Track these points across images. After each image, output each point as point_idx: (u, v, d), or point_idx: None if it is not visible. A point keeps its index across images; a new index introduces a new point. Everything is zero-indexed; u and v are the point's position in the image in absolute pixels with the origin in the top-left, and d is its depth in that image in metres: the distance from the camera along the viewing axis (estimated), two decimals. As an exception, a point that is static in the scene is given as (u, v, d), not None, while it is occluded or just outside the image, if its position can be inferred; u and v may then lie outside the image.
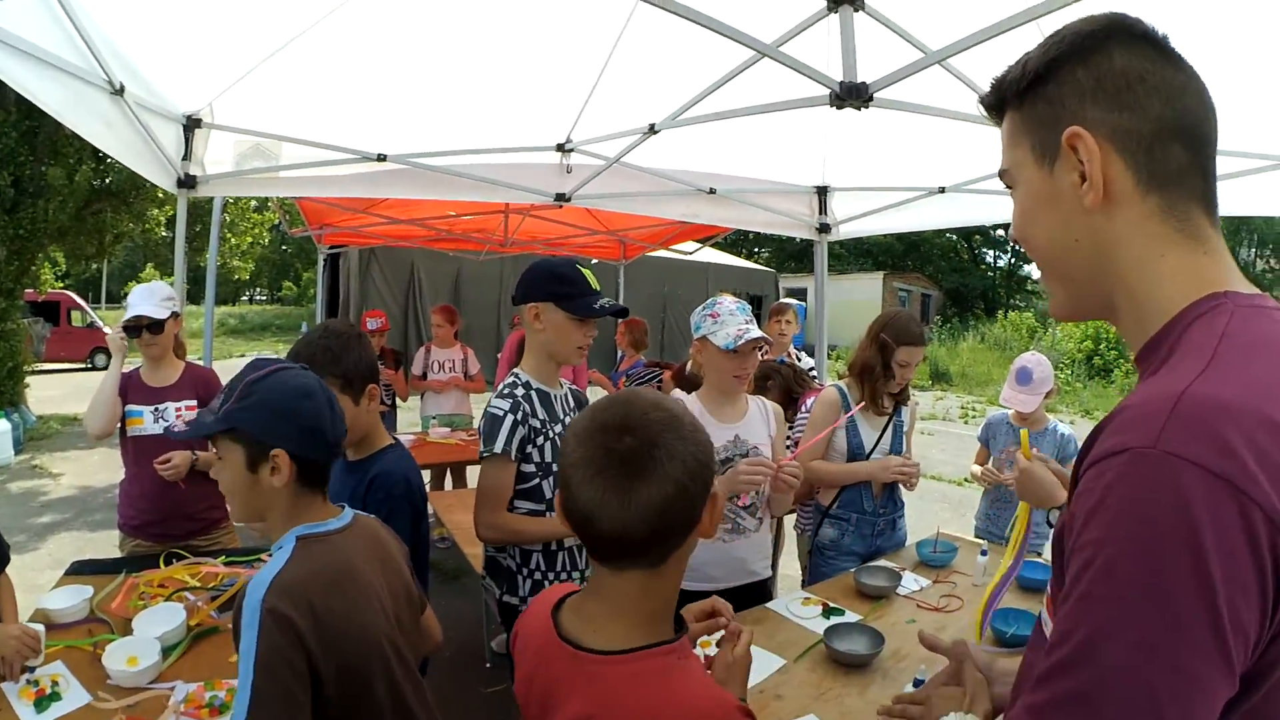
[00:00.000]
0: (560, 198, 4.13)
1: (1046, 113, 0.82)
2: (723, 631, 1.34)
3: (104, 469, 8.01)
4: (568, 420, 2.33)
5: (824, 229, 5.09)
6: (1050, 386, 3.28)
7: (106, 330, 17.19)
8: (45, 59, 2.48)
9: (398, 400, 5.89)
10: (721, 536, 2.57)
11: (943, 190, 4.24)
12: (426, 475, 5.81)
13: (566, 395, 2.42)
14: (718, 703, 1.03)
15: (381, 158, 3.48)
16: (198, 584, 2.50)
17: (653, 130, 3.22)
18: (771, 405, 2.77)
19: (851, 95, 2.17)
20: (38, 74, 2.50)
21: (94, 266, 17.26)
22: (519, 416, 2.18)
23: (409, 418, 6.28)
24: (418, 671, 1.60)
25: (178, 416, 2.97)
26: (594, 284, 2.24)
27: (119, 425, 2.96)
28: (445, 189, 3.83)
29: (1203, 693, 0.60)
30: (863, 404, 2.92)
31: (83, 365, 16.90)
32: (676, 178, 4.31)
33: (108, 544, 6.00)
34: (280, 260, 35.80)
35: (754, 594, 2.67)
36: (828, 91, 2.22)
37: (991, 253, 33.88)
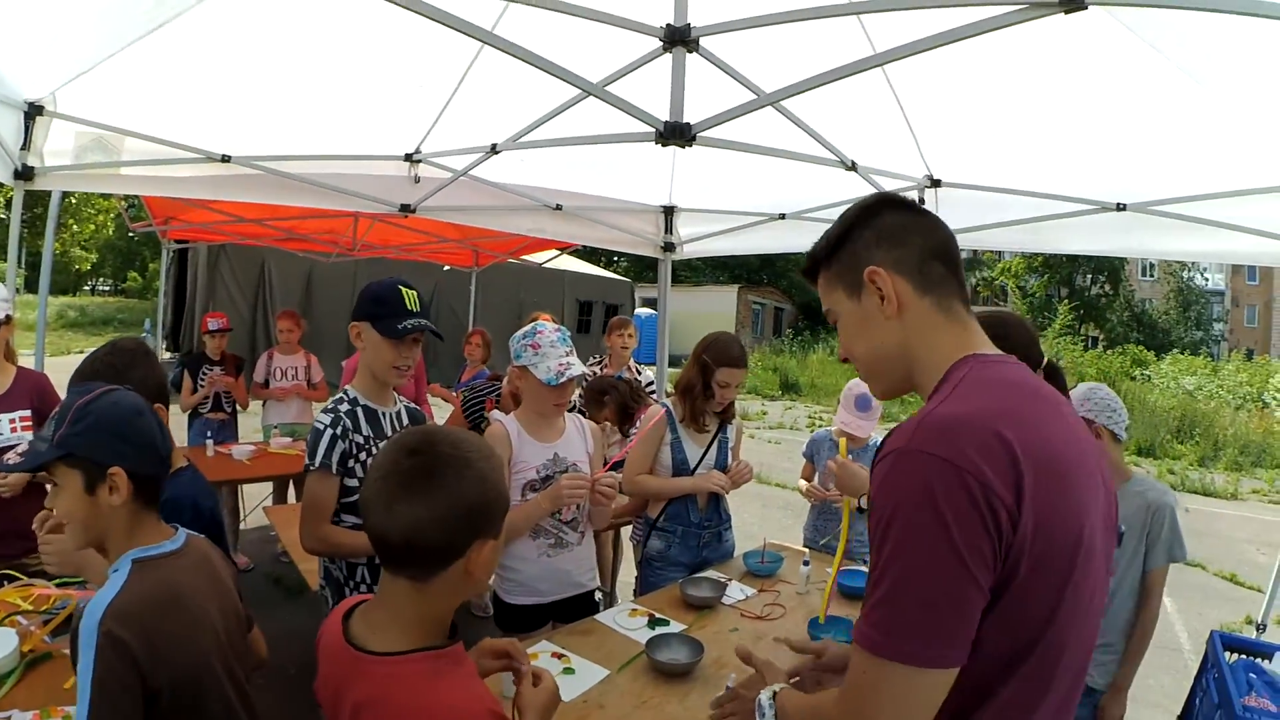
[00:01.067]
0: (405, 208, 4.07)
1: (849, 262, 1.21)
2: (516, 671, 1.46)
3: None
4: None
5: (669, 248, 5.26)
6: (881, 411, 3.55)
7: None
8: None
9: (238, 408, 5.65)
10: (546, 551, 2.66)
11: (783, 216, 4.48)
12: (267, 488, 5.61)
13: (399, 413, 2.46)
14: (476, 703, 1.17)
15: (226, 159, 3.35)
16: (29, 607, 2.36)
17: (494, 150, 3.26)
18: (588, 424, 2.88)
19: (675, 134, 2.29)
20: None
21: None
22: (338, 431, 2.23)
23: (250, 426, 5.97)
24: (248, 691, 1.64)
25: (12, 429, 2.77)
26: (411, 304, 2.28)
27: None
28: (290, 194, 3.70)
29: (955, 592, 0.92)
30: (683, 420, 3.10)
31: None
32: (524, 193, 4.34)
33: None
34: (126, 249, 33.02)
35: (582, 605, 2.77)
36: (652, 130, 2.33)
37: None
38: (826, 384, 21.24)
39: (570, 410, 3.60)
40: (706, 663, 2.27)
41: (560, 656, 2.34)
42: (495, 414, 2.75)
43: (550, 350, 2.55)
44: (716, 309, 27.00)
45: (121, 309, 26.88)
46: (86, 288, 33.85)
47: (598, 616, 2.66)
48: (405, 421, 2.47)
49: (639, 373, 5.08)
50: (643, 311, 22.59)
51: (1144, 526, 2.50)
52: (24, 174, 3.07)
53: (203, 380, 5.35)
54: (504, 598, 2.67)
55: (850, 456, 3.50)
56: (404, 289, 2.28)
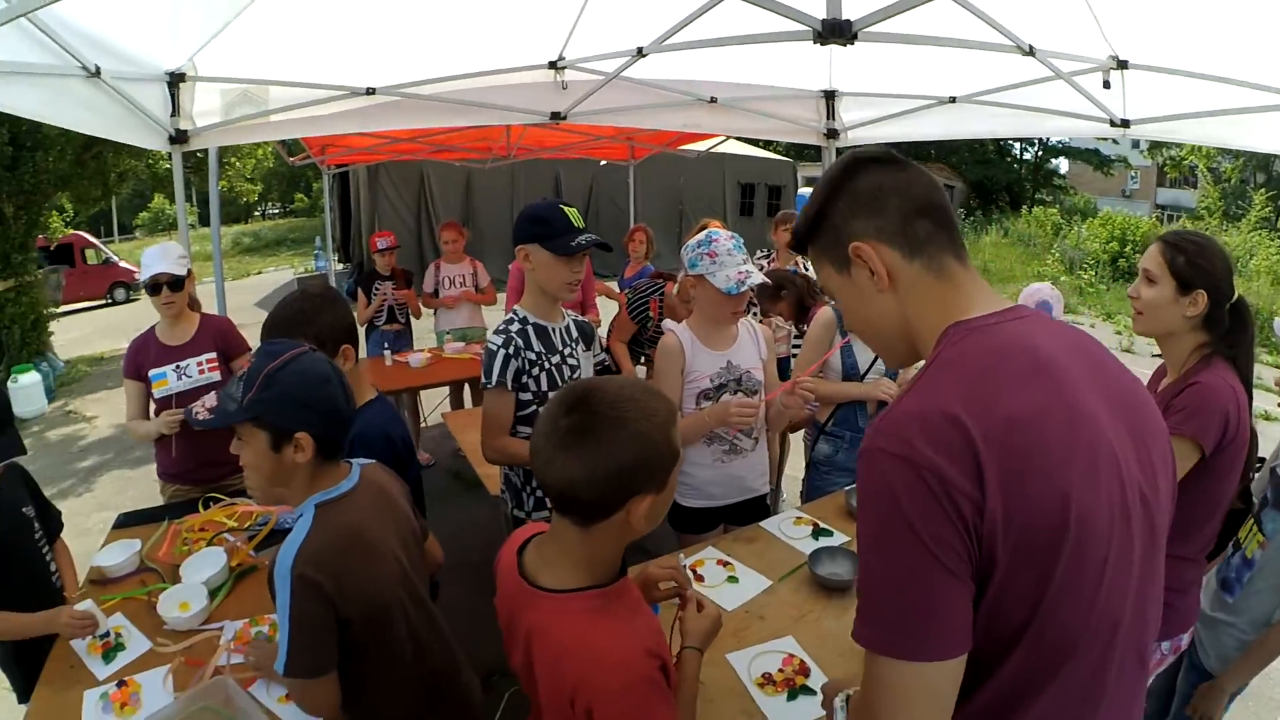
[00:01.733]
0: (555, 116, 4.04)
1: (832, 238, 1.16)
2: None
3: (136, 407, 8.24)
4: (566, 351, 2.46)
5: (832, 134, 4.94)
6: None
7: (127, 265, 17.10)
8: (14, 70, 2.47)
9: (411, 318, 6.00)
10: (720, 457, 2.70)
11: (954, 100, 4.09)
12: (443, 393, 5.98)
13: (568, 327, 2.52)
14: (634, 640, 1.25)
15: (370, 91, 3.43)
16: (235, 524, 2.66)
17: (640, 53, 3.14)
18: (760, 327, 2.83)
19: (834, 33, 2.10)
20: (4, 85, 2.48)
21: (102, 205, 17.15)
22: (510, 351, 2.33)
23: (424, 332, 6.36)
24: (429, 601, 1.78)
25: (200, 371, 3.04)
26: (575, 222, 2.31)
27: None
28: (438, 115, 3.77)
29: (928, 585, 0.91)
30: (845, 340, 2.99)
31: (102, 301, 16.85)
32: (675, 88, 4.19)
33: (148, 481, 6.11)
34: (289, 174, 35.27)
35: (753, 509, 2.82)
36: (809, 29, 2.15)
37: (1018, 145, 32.67)
38: (999, 268, 19.80)
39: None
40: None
41: (725, 564, 2.40)
42: (668, 323, 2.75)
43: (728, 259, 2.50)
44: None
45: (292, 229, 28.81)
46: (257, 213, 36.33)
47: (763, 524, 2.68)
48: (575, 334, 2.54)
49: (808, 266, 4.93)
50: (805, 191, 21.76)
51: None
52: (178, 138, 3.28)
53: (376, 294, 5.69)
54: (677, 500, 2.73)
55: None
56: (564, 207, 2.31)
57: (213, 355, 3.08)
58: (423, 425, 6.13)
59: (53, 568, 2.38)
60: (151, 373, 2.98)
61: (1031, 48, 2.90)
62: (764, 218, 19.89)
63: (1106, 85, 3.04)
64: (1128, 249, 19.16)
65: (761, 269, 4.94)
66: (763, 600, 2.23)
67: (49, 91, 2.72)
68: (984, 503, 0.89)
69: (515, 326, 2.37)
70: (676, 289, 4.12)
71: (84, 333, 13.17)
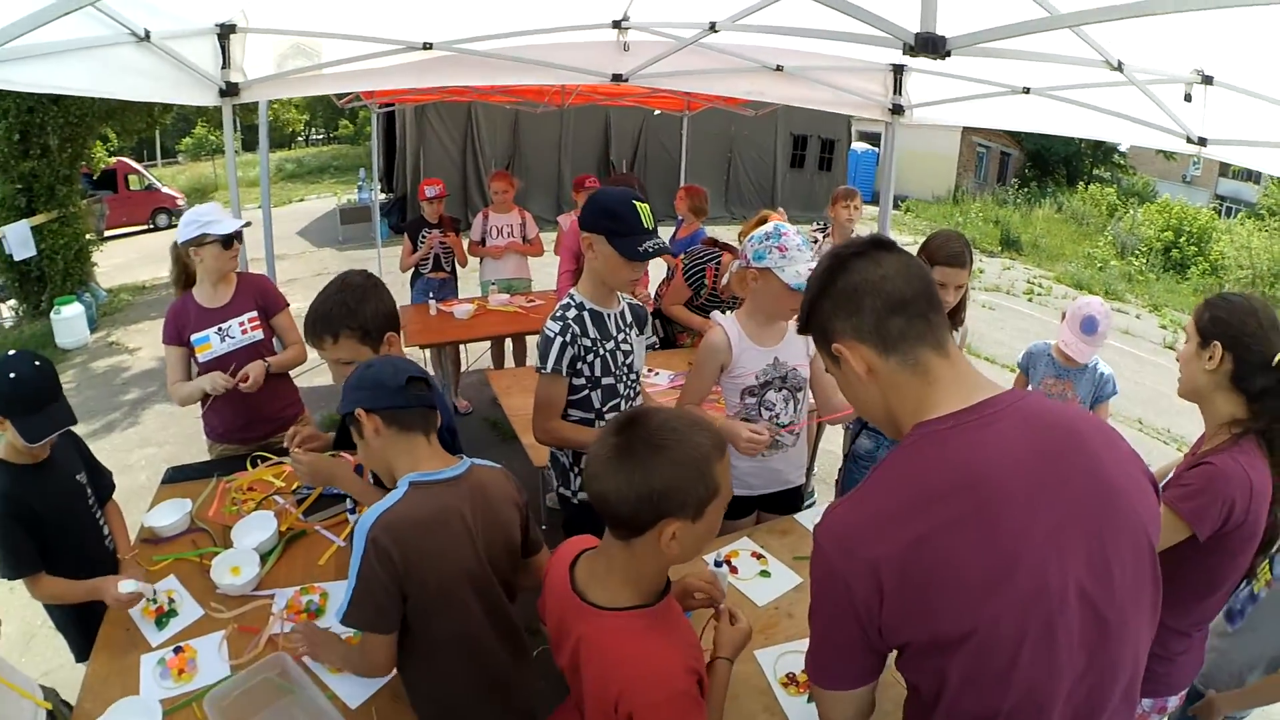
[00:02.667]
0: (618, 78, 3.97)
1: (820, 335, 1.27)
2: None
3: (180, 337, 8.36)
4: (620, 337, 2.47)
5: (897, 110, 4.79)
6: (1107, 335, 3.19)
7: (169, 190, 17.14)
8: (65, 48, 2.46)
9: (457, 266, 6.01)
10: (762, 453, 2.65)
11: (1027, 91, 3.94)
12: (486, 348, 6.03)
13: (623, 312, 2.52)
14: (676, 657, 1.35)
15: (427, 46, 3.37)
16: (283, 484, 2.72)
17: (712, 28, 3.05)
18: None
19: (927, 48, 2.03)
20: (58, 66, 2.49)
21: (146, 134, 17.14)
22: (568, 338, 2.33)
23: (470, 282, 6.39)
24: (505, 601, 1.81)
25: (243, 331, 3.02)
26: (647, 222, 2.27)
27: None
28: (495, 74, 3.70)
29: (840, 649, 1.17)
30: None
31: (145, 227, 16.93)
32: (741, 54, 4.09)
33: (191, 418, 6.25)
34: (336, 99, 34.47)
35: (788, 499, 2.84)
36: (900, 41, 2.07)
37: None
38: (1051, 245, 19.29)
39: None
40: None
41: (759, 557, 2.44)
42: (716, 315, 2.72)
43: (797, 254, 2.45)
44: (937, 148, 24.75)
45: (336, 156, 28.71)
46: (300, 139, 36.02)
47: (797, 516, 2.71)
48: (629, 320, 2.54)
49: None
50: (859, 146, 21.34)
51: None
52: (229, 91, 3.23)
53: (423, 241, 5.68)
54: None
55: (1066, 376, 3.32)
56: (638, 204, 2.26)
57: (254, 314, 3.06)
58: (463, 371, 6.20)
59: (105, 530, 2.42)
60: (194, 337, 2.95)
61: (1120, 63, 2.78)
62: (814, 170, 19.55)
63: (1188, 99, 2.92)
64: (1182, 240, 18.61)
65: (815, 243, 4.88)
66: (793, 597, 2.27)
67: (100, 63, 2.71)
68: (880, 614, 1.08)
69: (572, 313, 2.37)
70: (728, 278, 4.05)
71: (127, 259, 13.29)
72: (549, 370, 2.35)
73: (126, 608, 2.05)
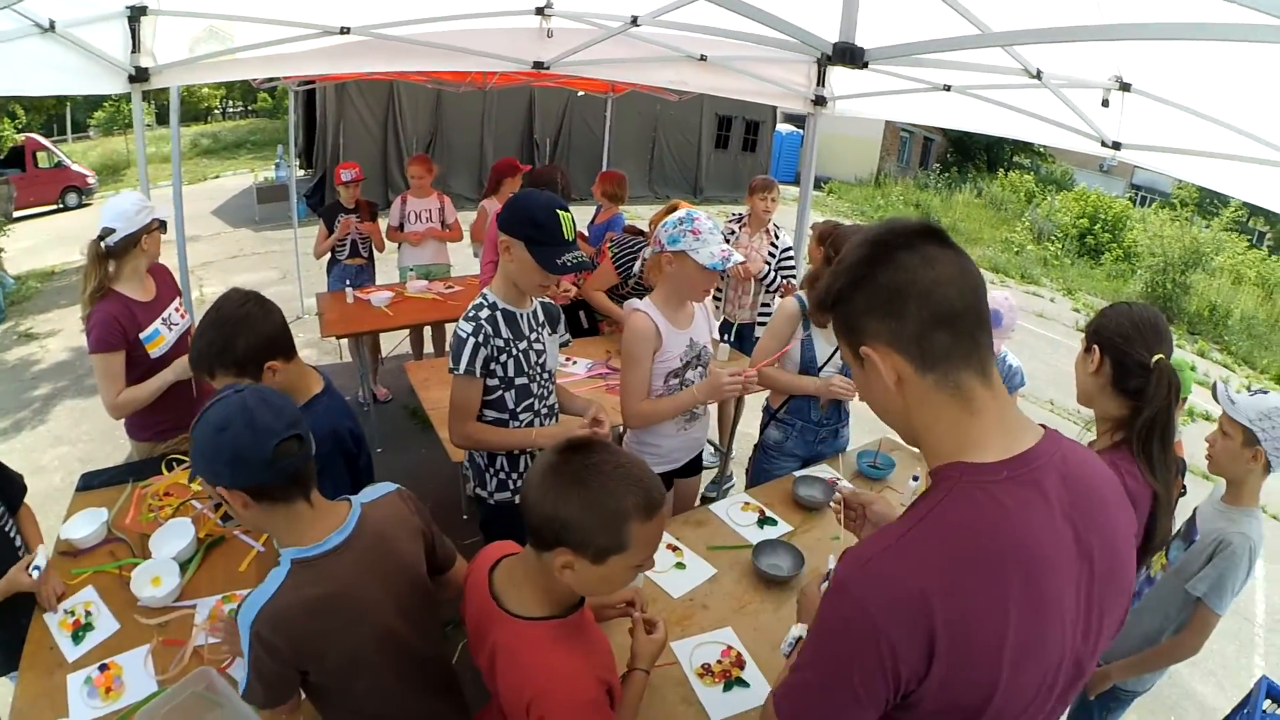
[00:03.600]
0: (539, 65, 3.92)
1: (846, 327, 1.11)
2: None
3: (92, 328, 7.92)
4: (533, 337, 2.47)
5: (820, 102, 4.85)
6: (1014, 327, 3.31)
7: (79, 168, 16.23)
8: None
9: (375, 252, 5.88)
10: (683, 426, 2.84)
11: (948, 88, 4.04)
12: (404, 337, 5.89)
13: (535, 311, 2.52)
14: (587, 667, 1.39)
15: (345, 30, 3.26)
16: (199, 487, 2.61)
17: (634, 23, 3.05)
18: (709, 304, 2.89)
19: (844, 58, 2.07)
20: None
21: (56, 110, 16.02)
22: (480, 339, 2.31)
23: (388, 268, 6.26)
24: (426, 641, 1.74)
25: (181, 316, 2.97)
26: (569, 234, 2.26)
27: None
28: (415, 59, 3.60)
29: (840, 710, 1.02)
30: (810, 314, 3.00)
31: (54, 206, 15.88)
32: (665, 43, 4.07)
33: (102, 412, 5.77)
34: None
35: (695, 463, 3.06)
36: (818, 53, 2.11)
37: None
38: (970, 230, 19.91)
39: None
40: (804, 572, 2.36)
41: (674, 549, 2.48)
42: (633, 302, 2.75)
43: (710, 237, 2.55)
44: (862, 132, 25.20)
45: (253, 130, 27.48)
46: (217, 111, 34.39)
47: (712, 508, 2.77)
48: (541, 319, 2.54)
49: (776, 237, 4.92)
50: (784, 128, 21.54)
51: (1203, 551, 2.26)
52: (139, 76, 3.05)
53: (339, 226, 5.53)
54: None
55: None
56: (560, 213, 2.24)
57: (177, 301, 2.99)
58: (382, 359, 6.09)
59: (17, 542, 2.30)
60: (144, 335, 2.78)
61: (1039, 72, 2.87)
62: (739, 152, 19.69)
63: (1105, 104, 3.02)
64: (1097, 227, 19.41)
65: (733, 234, 4.95)
66: (707, 589, 2.32)
67: (3, 60, 2.57)
68: (925, 676, 0.96)
69: (485, 313, 2.35)
70: (640, 265, 4.12)
71: (35, 242, 12.50)
72: (462, 371, 2.33)
73: (48, 589, 2.03)
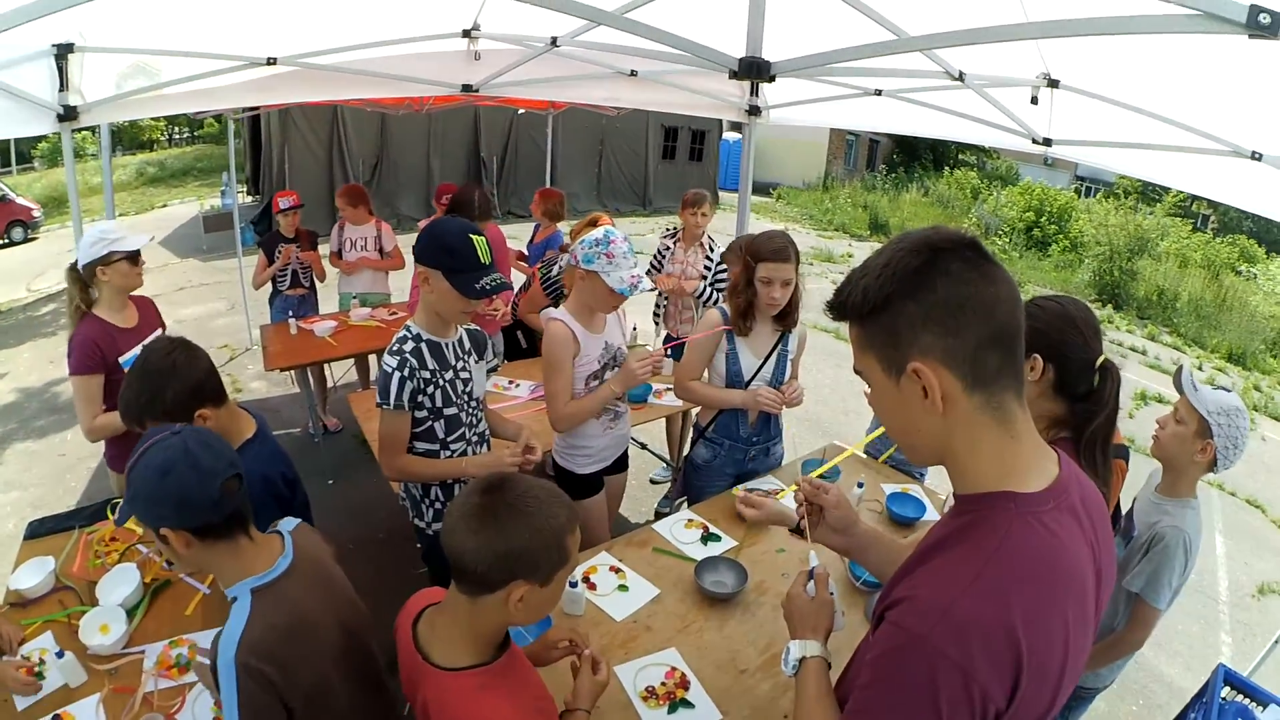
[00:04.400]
0: (468, 88, 3.90)
1: (888, 338, 1.03)
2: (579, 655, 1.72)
3: (35, 368, 7.58)
4: (459, 365, 2.47)
5: (754, 111, 4.91)
6: None
7: (25, 201, 15.76)
8: None
9: (316, 281, 5.79)
10: (608, 425, 2.94)
11: (879, 93, 4.10)
12: (348, 367, 5.83)
13: (461, 338, 2.52)
14: (517, 714, 1.37)
15: (271, 61, 3.22)
16: (143, 531, 2.59)
17: (554, 44, 3.05)
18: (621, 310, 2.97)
19: (751, 72, 2.10)
20: None
21: None
22: (406, 372, 2.31)
23: (329, 297, 6.17)
24: (376, 671, 1.78)
25: None
26: (484, 257, 2.27)
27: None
28: (343, 88, 3.57)
29: None
30: (728, 328, 2.96)
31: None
32: (595, 60, 4.07)
33: (53, 456, 5.63)
34: None
35: (622, 460, 3.18)
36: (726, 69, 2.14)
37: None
38: (916, 227, 20.23)
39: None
40: (748, 588, 2.37)
41: (617, 571, 2.48)
42: (550, 311, 2.82)
43: (623, 260, 2.61)
44: (807, 136, 25.33)
45: (200, 157, 26.90)
46: (163, 138, 33.76)
47: (655, 527, 2.76)
48: (467, 346, 2.53)
49: (711, 249, 4.94)
50: (730, 136, 21.70)
51: (1139, 547, 2.29)
52: (67, 115, 2.99)
53: (279, 256, 5.45)
54: (577, 470, 2.95)
55: None
56: (474, 238, 2.25)
57: (160, 333, 3.00)
58: (330, 388, 6.00)
59: None
60: (123, 359, 2.79)
61: (961, 74, 2.92)
62: (685, 161, 19.78)
63: (1034, 101, 3.08)
64: (1043, 219, 19.84)
65: (667, 249, 4.96)
66: (650, 609, 2.32)
67: None
68: (1007, 708, 0.94)
69: (409, 345, 2.34)
70: (557, 270, 4.23)
71: None
72: (391, 406, 2.32)
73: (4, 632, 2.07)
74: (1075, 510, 1.03)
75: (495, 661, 1.42)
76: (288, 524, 1.76)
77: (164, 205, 19.14)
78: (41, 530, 2.72)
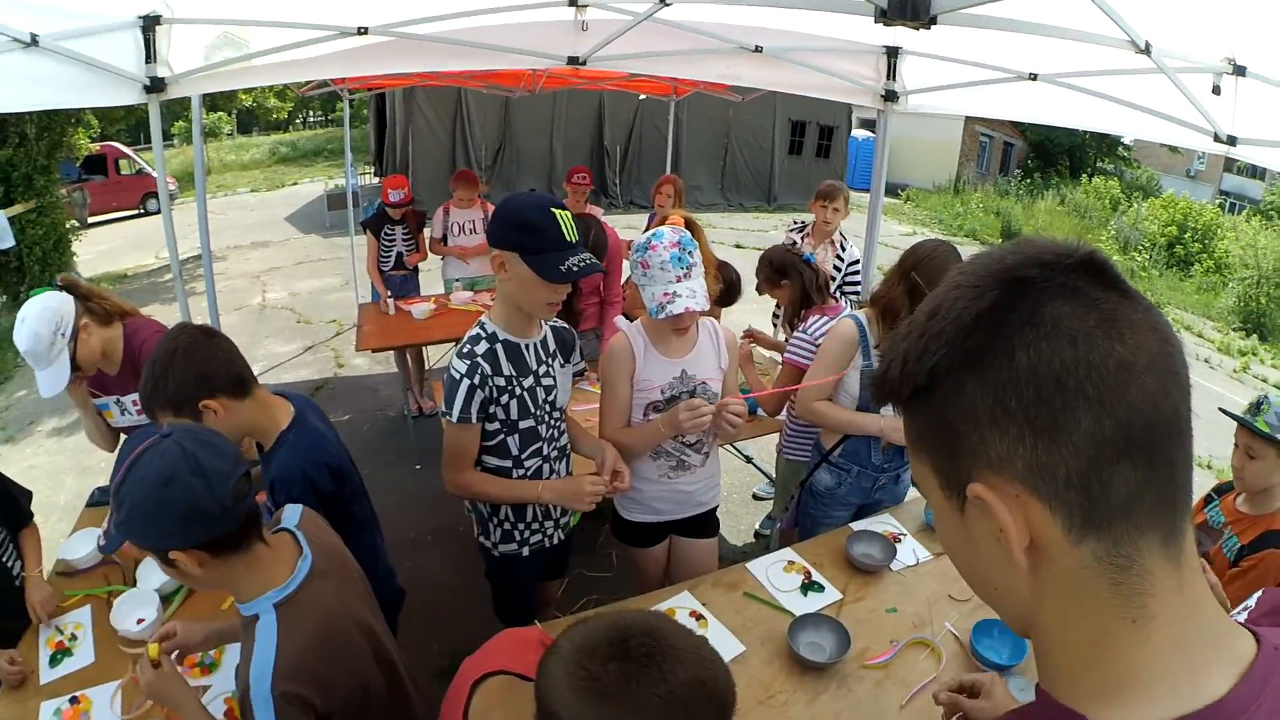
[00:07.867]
0: (574, 61, 3.60)
1: (940, 434, 0.60)
2: None
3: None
4: (541, 371, 2.13)
5: (891, 96, 4.38)
6: None
7: (153, 174, 17.02)
8: None
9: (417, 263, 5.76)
10: (666, 473, 2.44)
11: (1034, 77, 3.55)
12: (447, 349, 5.69)
13: (545, 338, 2.18)
14: None
15: (362, 30, 3.00)
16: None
17: (664, 3, 2.71)
18: (724, 331, 2.48)
19: (903, 14, 1.72)
20: None
21: (124, 122, 17.07)
22: (476, 380, 1.99)
23: (432, 278, 6.11)
24: (399, 667, 1.69)
25: (138, 412, 2.54)
26: (569, 234, 1.90)
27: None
28: (438, 59, 3.33)
29: None
30: (879, 345, 2.55)
31: (136, 211, 16.73)
32: (715, 34, 3.71)
33: None
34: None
35: (701, 522, 2.60)
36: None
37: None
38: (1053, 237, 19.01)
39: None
40: (849, 657, 1.95)
41: (699, 618, 2.12)
42: (620, 321, 2.44)
43: (659, 273, 2.15)
44: (939, 136, 24.18)
45: (330, 139, 28.25)
46: (298, 120, 35.67)
47: (749, 567, 2.37)
48: (551, 348, 2.19)
49: (842, 248, 4.48)
50: (859, 134, 20.94)
51: None
52: (154, 86, 2.89)
53: (388, 237, 5.46)
54: (622, 514, 2.52)
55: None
56: (556, 211, 1.88)
57: (135, 398, 2.53)
58: (427, 370, 5.89)
59: (15, 569, 2.19)
60: (99, 403, 2.54)
61: (1148, 45, 2.40)
62: (812, 158, 19.15)
63: (1216, 91, 2.54)
64: (1186, 236, 18.23)
65: (794, 244, 4.50)
66: (731, 671, 1.94)
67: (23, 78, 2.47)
68: None
69: (483, 347, 2.01)
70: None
71: (113, 245, 13.02)
72: (456, 418, 2.00)
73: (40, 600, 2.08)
74: None
75: None
76: (292, 516, 1.60)
77: (294, 183, 20.20)
78: (104, 500, 2.64)
